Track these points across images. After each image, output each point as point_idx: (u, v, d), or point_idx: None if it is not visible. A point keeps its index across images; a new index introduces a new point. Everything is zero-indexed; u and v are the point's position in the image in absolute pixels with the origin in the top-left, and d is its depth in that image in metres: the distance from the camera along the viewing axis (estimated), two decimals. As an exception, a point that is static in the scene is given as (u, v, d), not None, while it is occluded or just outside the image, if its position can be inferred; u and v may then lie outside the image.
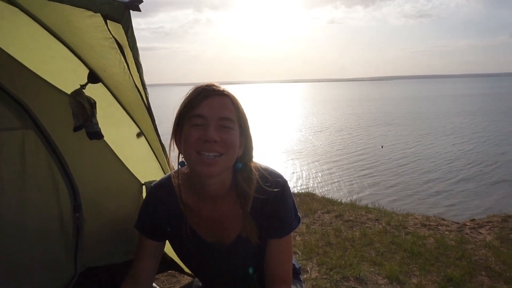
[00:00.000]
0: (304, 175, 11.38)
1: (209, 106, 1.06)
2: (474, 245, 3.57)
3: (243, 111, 1.14)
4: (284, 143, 17.28)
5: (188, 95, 1.12)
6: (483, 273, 2.96)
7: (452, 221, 4.63)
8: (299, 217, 1.27)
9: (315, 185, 10.11)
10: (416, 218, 4.62)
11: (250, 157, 1.18)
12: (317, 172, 11.56)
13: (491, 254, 3.29)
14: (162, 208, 1.24)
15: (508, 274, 2.90)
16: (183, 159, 1.14)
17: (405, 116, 26.02)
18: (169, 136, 1.17)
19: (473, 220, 4.71)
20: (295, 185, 10.15)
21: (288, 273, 1.23)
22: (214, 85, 1.11)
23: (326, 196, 6.49)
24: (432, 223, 4.41)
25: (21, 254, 1.74)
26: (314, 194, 6.32)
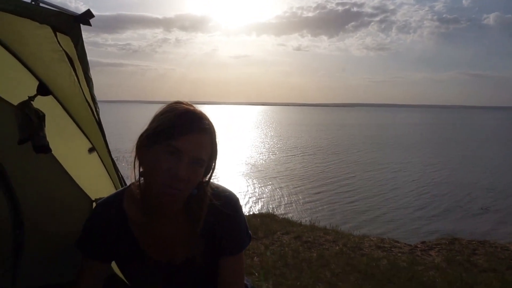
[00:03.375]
0: (267, 196, 11.42)
1: (189, 142, 1.02)
2: (424, 267, 3.70)
3: (217, 146, 1.12)
4: (252, 164, 17.35)
5: (172, 117, 1.05)
6: (431, 293, 3.07)
7: (405, 243, 4.79)
8: (250, 234, 1.27)
9: (277, 206, 10.15)
10: (372, 240, 4.74)
11: (208, 182, 1.17)
12: (281, 193, 11.64)
13: (439, 275, 3.42)
14: (108, 226, 1.18)
15: (452, 295, 3.02)
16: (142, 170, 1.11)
17: (375, 144, 26.88)
18: (131, 153, 1.13)
19: (424, 242, 4.90)
20: (255, 206, 10.14)
21: None
22: (201, 119, 1.07)
23: (286, 217, 6.52)
24: (386, 245, 4.54)
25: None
26: (275, 215, 6.33)
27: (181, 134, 1.02)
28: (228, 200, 1.18)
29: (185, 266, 1.20)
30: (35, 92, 1.68)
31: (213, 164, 1.15)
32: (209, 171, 1.15)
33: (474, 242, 4.69)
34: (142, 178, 1.13)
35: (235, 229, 1.20)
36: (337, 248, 4.26)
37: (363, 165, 17.18)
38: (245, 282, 1.43)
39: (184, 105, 1.09)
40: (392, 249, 4.42)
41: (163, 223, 1.17)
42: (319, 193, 11.62)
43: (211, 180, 1.22)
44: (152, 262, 1.20)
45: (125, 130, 24.07)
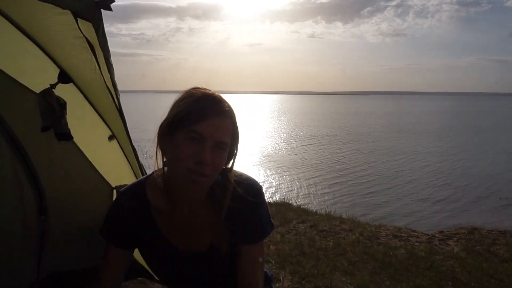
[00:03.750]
0: (281, 186, 11.42)
1: (210, 126, 1.01)
2: (442, 256, 3.66)
3: (238, 130, 1.11)
4: (266, 153, 17.38)
5: (191, 103, 1.04)
6: (450, 283, 3.03)
7: (422, 233, 4.74)
8: (272, 223, 1.27)
9: (292, 195, 10.15)
10: (388, 229, 4.70)
11: (231, 169, 1.17)
12: (298, 184, 11.63)
13: (458, 265, 3.38)
14: (131, 214, 1.18)
15: (473, 284, 2.98)
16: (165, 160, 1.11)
17: (392, 132, 26.46)
18: (146, 143, 1.13)
19: (441, 232, 4.84)
20: (271, 195, 10.16)
21: (259, 278, 1.23)
22: (221, 102, 1.06)
23: (301, 206, 6.52)
24: (403, 234, 4.50)
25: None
26: (290, 204, 6.34)
27: (201, 119, 1.01)
28: (251, 188, 1.18)
29: (208, 254, 1.20)
30: (56, 80, 1.70)
31: (235, 149, 1.14)
32: (232, 157, 1.15)
33: (494, 232, 4.61)
34: (166, 168, 1.13)
35: (258, 217, 1.20)
36: (354, 237, 4.24)
37: (379, 155, 16.96)
38: (265, 270, 1.44)
39: (201, 90, 1.08)
40: (409, 238, 4.38)
41: (186, 212, 1.17)
42: (335, 184, 11.53)
43: (234, 168, 1.22)
44: (175, 250, 1.20)
45: (138, 120, 24.32)
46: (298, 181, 11.94)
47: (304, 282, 2.96)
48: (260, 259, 1.23)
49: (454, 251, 3.85)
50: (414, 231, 4.81)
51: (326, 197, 9.99)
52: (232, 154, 1.14)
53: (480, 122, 37.51)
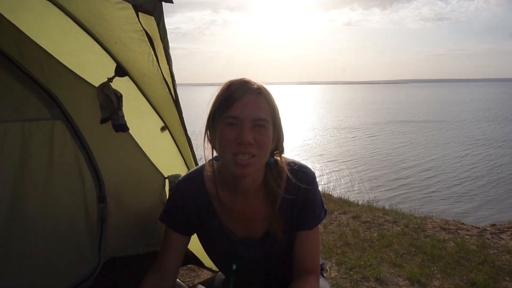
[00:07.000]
0: (324, 178, 11.29)
1: (243, 107, 1.04)
2: (496, 250, 3.48)
3: (276, 107, 1.12)
4: (310, 145, 17.22)
5: (221, 92, 1.09)
6: (507, 278, 2.88)
7: (472, 226, 4.53)
8: (326, 209, 1.28)
9: (332, 186, 10.01)
10: (435, 221, 4.53)
11: (282, 149, 1.19)
12: (343, 175, 11.44)
13: (515, 260, 3.20)
14: (191, 201, 1.23)
15: (533, 280, 2.82)
16: (216, 154, 1.15)
17: (440, 122, 25.20)
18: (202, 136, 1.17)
19: (493, 225, 4.60)
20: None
21: (316, 263, 1.23)
22: (248, 82, 1.08)
23: (342, 197, 6.43)
24: (451, 227, 4.33)
25: (47, 243, 1.78)
26: (331, 195, 6.27)
27: (233, 102, 1.04)
28: (305, 176, 1.19)
29: (263, 240, 1.23)
30: (113, 74, 1.77)
31: (279, 126, 1.14)
32: (279, 136, 1.15)
33: (553, 226, 4.32)
34: (218, 161, 1.17)
35: (312, 204, 1.21)
36: (399, 229, 4.13)
37: (430, 148, 16.08)
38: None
39: (232, 79, 1.11)
40: (458, 231, 4.20)
41: (241, 200, 1.20)
42: (399, 180, 10.95)
43: (287, 157, 1.23)
44: (233, 236, 1.24)
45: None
46: (340, 172, 11.76)
47: (351, 273, 2.92)
48: (316, 245, 1.24)
49: (509, 245, 3.65)
50: (463, 223, 4.61)
51: (369, 189, 9.76)
52: (277, 131, 1.14)
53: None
